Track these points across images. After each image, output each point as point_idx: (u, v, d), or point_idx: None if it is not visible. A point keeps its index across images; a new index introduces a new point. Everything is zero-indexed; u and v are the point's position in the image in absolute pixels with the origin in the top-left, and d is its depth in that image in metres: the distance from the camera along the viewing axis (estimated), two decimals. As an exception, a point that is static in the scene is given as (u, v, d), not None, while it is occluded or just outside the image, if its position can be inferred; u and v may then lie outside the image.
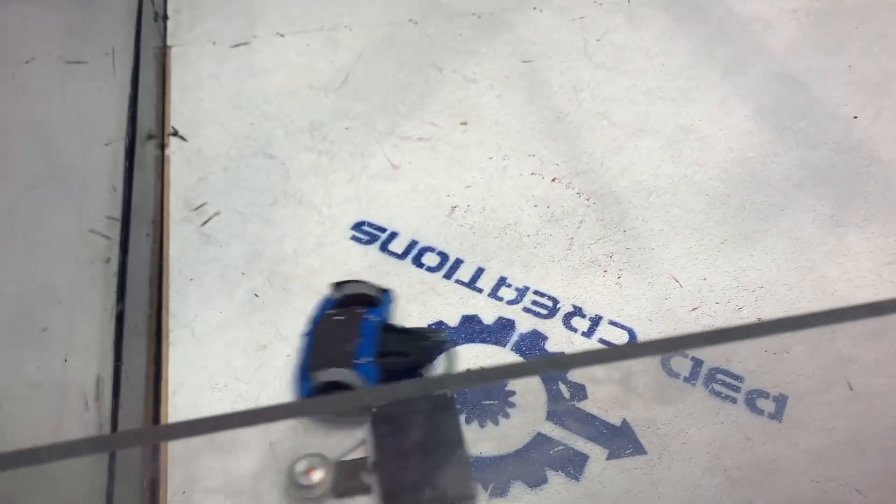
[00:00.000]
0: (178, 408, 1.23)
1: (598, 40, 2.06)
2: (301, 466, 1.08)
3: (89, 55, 1.67)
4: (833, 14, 2.17)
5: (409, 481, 1.09)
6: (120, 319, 1.11)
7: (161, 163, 1.66)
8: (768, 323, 0.76)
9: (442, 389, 1.15)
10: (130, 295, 1.19)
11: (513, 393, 1.30)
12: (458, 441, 1.15)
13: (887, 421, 1.26)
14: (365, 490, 1.09)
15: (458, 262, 1.49)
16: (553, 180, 1.67)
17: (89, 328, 1.10)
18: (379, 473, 1.08)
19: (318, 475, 1.07)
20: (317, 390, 1.18)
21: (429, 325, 1.37)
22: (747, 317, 1.40)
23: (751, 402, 1.27)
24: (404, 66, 1.96)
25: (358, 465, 1.10)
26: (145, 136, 1.57)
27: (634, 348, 0.79)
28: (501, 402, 1.28)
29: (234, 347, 1.33)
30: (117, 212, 1.34)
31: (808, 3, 2.22)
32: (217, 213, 1.57)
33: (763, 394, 1.28)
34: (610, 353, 0.66)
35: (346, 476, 1.09)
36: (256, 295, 1.42)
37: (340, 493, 1.09)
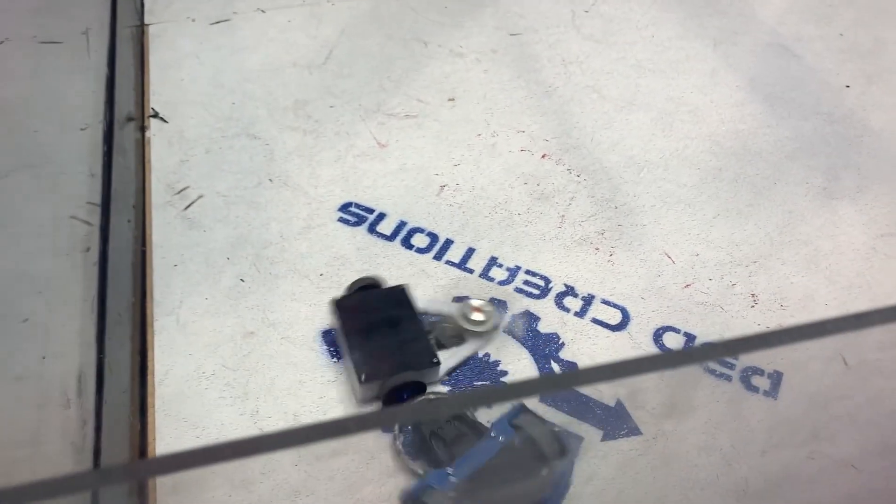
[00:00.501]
0: (164, 398, 1.21)
1: (587, 12, 2.02)
2: None
3: (64, 35, 1.62)
4: (824, -19, 2.14)
5: (378, 353, 1.20)
6: (102, 309, 1.08)
7: (141, 146, 1.62)
8: (792, 329, 0.74)
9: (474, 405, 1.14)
10: (112, 283, 1.16)
11: (505, 373, 1.28)
12: (416, 321, 1.25)
13: (882, 395, 1.25)
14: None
15: (449, 243, 1.47)
16: (543, 156, 1.64)
17: (70, 319, 1.07)
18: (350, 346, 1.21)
19: None
20: None
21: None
22: (741, 292, 1.39)
23: (746, 380, 1.26)
24: (389, 41, 1.92)
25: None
26: (124, 118, 1.53)
27: (650, 362, 0.77)
28: (494, 383, 1.26)
29: (220, 334, 1.30)
30: (97, 197, 1.30)
31: (799, -30, 2.19)
32: (200, 197, 1.53)
33: (758, 371, 1.27)
34: (621, 368, 0.64)
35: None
36: (242, 280, 1.39)
37: None
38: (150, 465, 0.83)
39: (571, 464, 1.10)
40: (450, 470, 1.05)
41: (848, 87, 1.83)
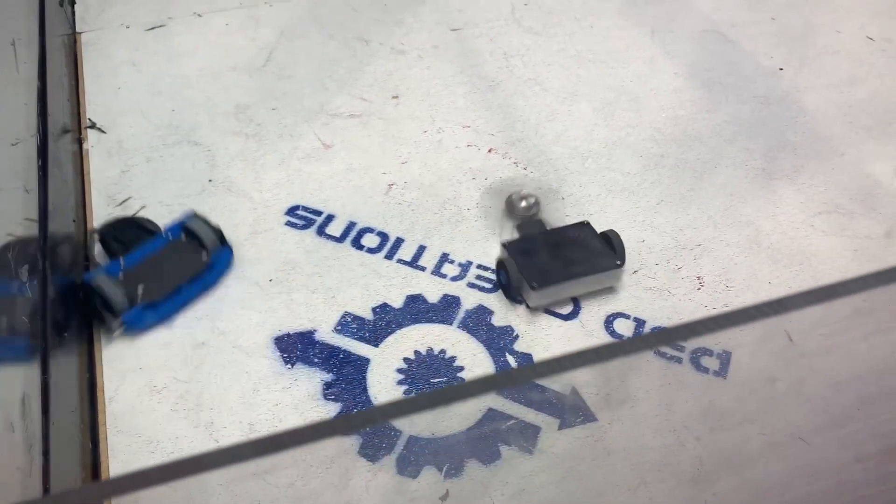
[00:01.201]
0: (115, 415, 1.18)
1: (526, 4, 2.04)
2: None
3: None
4: (754, -33, 2.19)
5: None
6: (44, 328, 1.05)
7: (79, 158, 1.58)
8: (743, 310, 0.75)
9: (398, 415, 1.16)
10: (52, 303, 1.13)
11: (461, 368, 1.28)
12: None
13: (827, 369, 1.29)
14: None
15: (399, 242, 1.46)
16: (489, 151, 1.65)
17: (11, 341, 1.04)
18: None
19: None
20: None
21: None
22: (687, 276, 1.42)
23: (695, 361, 1.29)
24: (329, 41, 1.91)
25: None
26: (59, 130, 1.48)
27: (610, 349, 0.79)
28: (450, 380, 1.27)
29: (170, 346, 1.28)
30: (34, 213, 1.27)
31: (730, -44, 2.23)
32: (143, 207, 1.50)
33: (707, 352, 1.30)
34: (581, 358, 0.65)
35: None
36: (191, 290, 1.37)
37: None
38: (104, 487, 0.81)
39: (229, 250, 1.41)
40: (121, 259, 1.34)
41: (781, 69, 1.88)
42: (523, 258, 1.35)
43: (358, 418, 0.98)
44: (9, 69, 1.33)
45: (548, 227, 1.44)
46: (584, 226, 1.43)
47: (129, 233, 1.41)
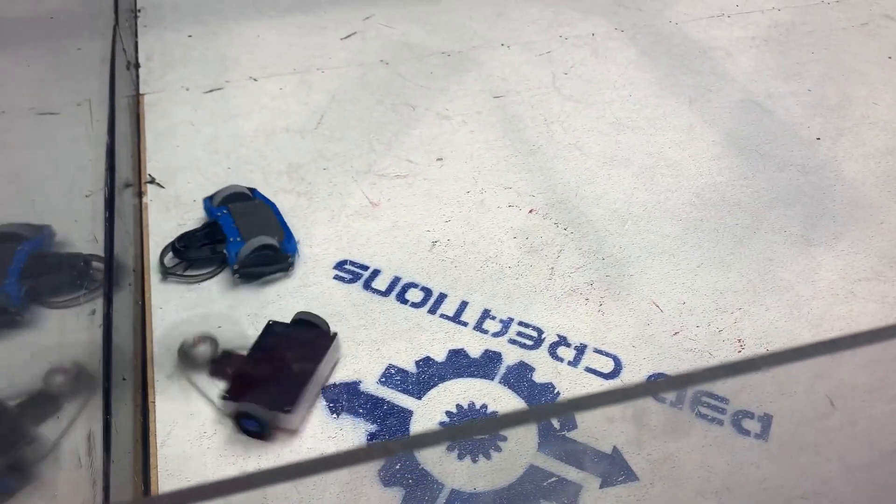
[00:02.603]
0: (167, 459, 1.22)
1: (566, 74, 2.11)
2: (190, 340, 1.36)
3: (61, 105, 1.67)
4: (788, 42, 2.25)
5: (256, 381, 1.29)
6: (107, 371, 1.10)
7: (139, 211, 1.66)
8: (765, 356, 0.78)
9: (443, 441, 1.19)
10: (116, 346, 1.18)
11: (502, 425, 1.30)
12: (311, 368, 1.30)
13: (868, 435, 1.28)
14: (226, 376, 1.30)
15: (442, 297, 1.50)
16: (530, 211, 1.70)
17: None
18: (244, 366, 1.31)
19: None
20: None
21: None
22: (727, 338, 1.43)
23: (737, 423, 1.29)
24: (378, 106, 1.99)
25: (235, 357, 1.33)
26: (122, 184, 1.57)
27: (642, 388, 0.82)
28: (493, 437, 1.28)
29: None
30: (100, 263, 1.33)
31: (765, 30, 2.30)
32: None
33: (748, 414, 1.30)
34: (612, 396, 0.67)
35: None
36: (241, 339, 1.41)
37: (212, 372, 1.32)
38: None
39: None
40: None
41: (819, 139, 1.91)
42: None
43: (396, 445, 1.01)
44: (84, 126, 1.42)
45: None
46: (272, 325, 1.37)
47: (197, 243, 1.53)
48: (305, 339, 1.35)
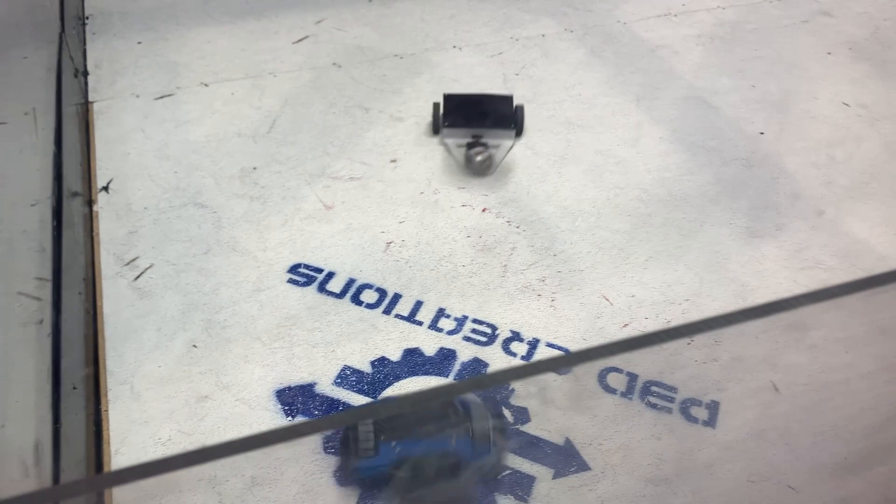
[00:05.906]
0: (121, 466, 1.21)
1: (517, 74, 2.14)
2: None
3: (6, 115, 1.65)
4: (733, 39, 2.31)
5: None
6: (56, 380, 1.09)
7: (89, 219, 1.64)
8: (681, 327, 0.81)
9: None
10: (66, 355, 1.17)
11: (458, 422, 1.32)
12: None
13: (812, 418, 1.33)
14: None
15: (397, 297, 1.52)
16: (483, 210, 1.72)
17: (25, 391, 1.08)
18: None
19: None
20: None
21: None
22: (676, 329, 1.47)
23: (685, 411, 1.33)
24: (331, 109, 2.00)
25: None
26: (71, 193, 1.55)
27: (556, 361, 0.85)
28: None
29: (174, 400, 1.32)
30: (47, 272, 1.32)
31: (710, 29, 2.36)
32: (150, 266, 1.56)
33: (696, 402, 1.34)
34: (532, 368, 0.70)
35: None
36: (195, 346, 1.41)
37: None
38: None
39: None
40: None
41: (762, 133, 1.97)
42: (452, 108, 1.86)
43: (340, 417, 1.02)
44: (29, 135, 1.41)
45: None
46: (506, 98, 1.89)
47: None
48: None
